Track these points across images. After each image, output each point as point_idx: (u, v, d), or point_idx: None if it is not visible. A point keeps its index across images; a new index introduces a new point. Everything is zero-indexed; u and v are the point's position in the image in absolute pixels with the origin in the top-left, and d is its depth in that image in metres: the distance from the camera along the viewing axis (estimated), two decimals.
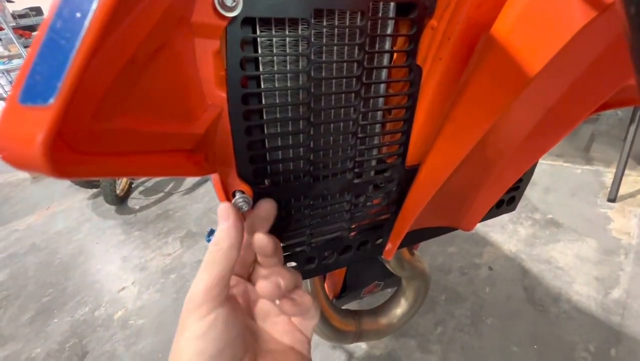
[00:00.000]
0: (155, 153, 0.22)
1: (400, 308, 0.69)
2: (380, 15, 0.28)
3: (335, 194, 0.33)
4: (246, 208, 0.27)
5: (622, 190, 1.58)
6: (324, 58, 0.27)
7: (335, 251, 0.37)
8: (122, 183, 2.19)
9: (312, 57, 0.25)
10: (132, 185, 2.32)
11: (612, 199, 1.56)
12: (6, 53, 3.29)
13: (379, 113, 0.32)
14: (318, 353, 1.05)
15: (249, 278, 0.30)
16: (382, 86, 0.31)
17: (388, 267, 0.60)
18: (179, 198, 2.17)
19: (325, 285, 0.71)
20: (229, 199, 0.27)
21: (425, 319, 1.17)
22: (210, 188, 2.17)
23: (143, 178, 2.39)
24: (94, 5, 0.14)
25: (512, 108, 0.27)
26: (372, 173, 0.34)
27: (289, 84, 0.27)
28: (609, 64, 0.25)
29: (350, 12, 0.26)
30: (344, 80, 0.29)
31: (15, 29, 3.00)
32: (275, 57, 0.26)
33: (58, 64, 0.14)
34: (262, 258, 0.28)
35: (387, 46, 0.30)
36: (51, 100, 0.14)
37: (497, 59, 0.26)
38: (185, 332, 0.23)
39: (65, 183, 2.50)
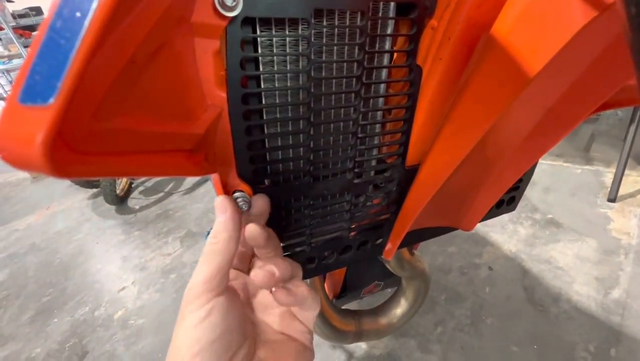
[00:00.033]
0: (155, 153, 0.22)
1: (400, 308, 0.69)
2: (380, 15, 0.28)
3: (335, 194, 0.33)
4: (246, 208, 0.27)
5: (622, 190, 1.58)
6: (324, 58, 0.27)
7: (335, 251, 0.37)
8: (122, 183, 2.19)
9: (312, 57, 0.25)
10: (132, 185, 2.32)
11: (612, 199, 1.56)
12: (6, 53, 3.29)
13: (379, 113, 0.32)
14: (318, 353, 1.05)
15: (249, 272, 0.30)
16: (382, 86, 0.31)
17: (388, 267, 0.60)
18: (179, 198, 2.17)
19: (325, 285, 0.71)
20: None
21: (425, 319, 1.17)
22: (210, 188, 2.17)
23: (143, 178, 2.39)
24: (94, 5, 0.14)
25: (512, 108, 0.27)
26: (372, 173, 0.34)
27: (289, 84, 0.27)
28: (609, 64, 0.25)
29: (350, 12, 0.26)
30: (344, 80, 0.29)
31: (15, 28, 3.00)
32: (275, 57, 0.26)
33: (58, 63, 0.14)
34: (258, 250, 0.28)
35: (387, 46, 0.30)
36: (51, 100, 0.14)
37: (497, 59, 0.26)
38: (183, 322, 0.23)
39: (65, 183, 2.50)
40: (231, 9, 0.21)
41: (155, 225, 1.93)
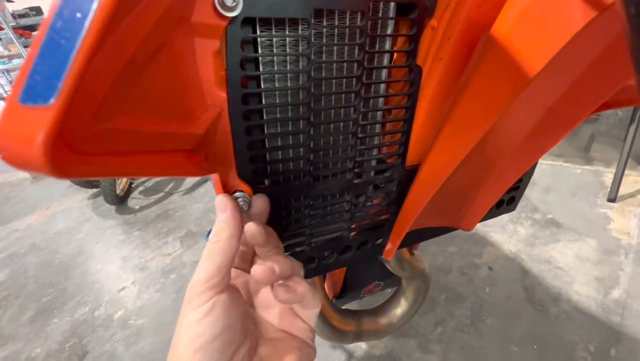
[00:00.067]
0: (155, 153, 0.22)
1: (400, 308, 0.69)
2: (380, 15, 0.28)
3: (335, 194, 0.33)
4: (246, 208, 0.27)
5: (622, 190, 1.58)
6: (324, 58, 0.27)
7: (335, 251, 0.37)
8: (122, 183, 2.19)
9: (312, 57, 0.25)
10: (132, 185, 2.32)
11: (612, 199, 1.56)
12: (6, 53, 3.29)
13: (379, 113, 0.32)
14: (318, 353, 1.04)
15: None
16: (382, 86, 0.31)
17: (388, 267, 0.60)
18: (179, 198, 2.17)
19: (325, 285, 0.71)
20: None
21: (425, 319, 1.17)
22: (210, 188, 2.17)
23: (143, 178, 2.39)
24: (94, 6, 0.14)
25: (512, 108, 0.27)
26: (372, 173, 0.34)
27: (289, 84, 0.27)
28: (609, 64, 0.25)
29: (350, 12, 0.26)
30: (344, 80, 0.29)
31: (15, 28, 3.01)
32: (275, 57, 0.26)
33: (58, 63, 0.14)
34: (259, 249, 0.28)
35: (387, 46, 0.30)
36: (51, 100, 0.14)
37: (497, 59, 0.26)
38: (185, 319, 0.24)
39: (65, 183, 2.50)
40: (231, 9, 0.21)
41: (155, 225, 1.93)
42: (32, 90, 0.15)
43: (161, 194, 2.23)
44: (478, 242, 1.46)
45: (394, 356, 1.08)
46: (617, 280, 1.21)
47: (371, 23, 0.27)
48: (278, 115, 0.28)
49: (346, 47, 0.28)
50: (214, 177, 0.27)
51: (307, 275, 0.37)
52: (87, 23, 0.14)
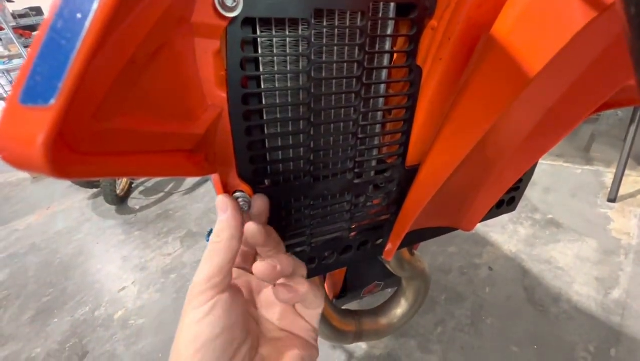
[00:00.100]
0: (155, 153, 0.22)
1: (400, 308, 0.69)
2: (380, 15, 0.28)
3: (335, 194, 0.33)
4: (246, 209, 0.27)
5: (622, 190, 1.58)
6: (324, 58, 0.27)
7: (335, 251, 0.37)
8: (122, 183, 2.19)
9: (312, 57, 0.25)
10: (132, 185, 2.32)
11: (612, 199, 1.56)
12: (6, 53, 3.29)
13: (379, 113, 0.32)
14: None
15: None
16: (382, 86, 0.31)
17: (388, 267, 0.60)
18: (179, 198, 2.17)
19: (325, 285, 0.71)
20: None
21: (425, 319, 1.17)
22: (210, 188, 2.17)
23: (143, 178, 2.39)
24: (95, 6, 0.14)
25: (512, 108, 0.27)
26: (372, 173, 0.34)
27: (289, 84, 0.27)
28: (609, 64, 0.25)
29: (350, 12, 0.26)
30: (344, 80, 0.29)
31: (15, 28, 3.01)
32: (275, 57, 0.26)
33: (59, 64, 0.14)
34: (259, 249, 0.28)
35: (387, 46, 0.30)
36: (52, 101, 0.14)
37: (497, 59, 0.26)
38: (186, 318, 0.24)
39: (65, 183, 2.50)
40: (231, 9, 0.21)
41: (155, 225, 1.93)
42: (32, 90, 0.15)
43: (161, 194, 2.23)
44: (478, 242, 1.46)
45: (394, 356, 1.08)
46: (617, 280, 1.21)
47: (371, 23, 0.27)
48: (278, 115, 0.28)
49: (346, 47, 0.28)
50: (214, 177, 0.27)
51: (307, 275, 0.36)
52: (87, 23, 0.14)
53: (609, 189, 1.59)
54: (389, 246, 0.40)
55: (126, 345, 1.25)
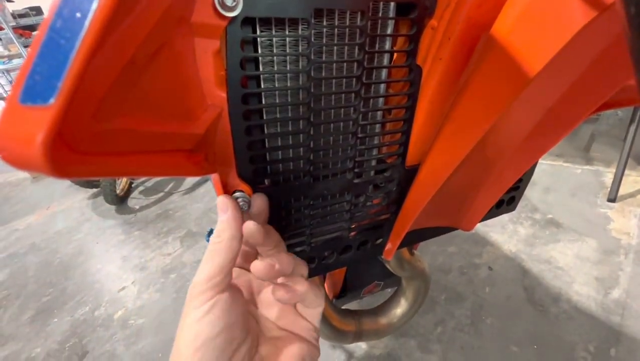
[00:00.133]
0: (155, 153, 0.22)
1: (400, 308, 0.69)
2: (380, 15, 0.28)
3: (335, 194, 0.33)
4: (246, 209, 0.27)
5: (622, 190, 1.58)
6: (324, 58, 0.27)
7: (335, 251, 0.37)
8: (122, 183, 2.19)
9: (312, 57, 0.25)
10: (132, 185, 2.32)
11: (612, 199, 1.56)
12: (6, 53, 3.29)
13: (379, 113, 0.32)
14: None
15: None
16: (382, 86, 0.31)
17: (388, 267, 0.60)
18: (179, 198, 2.17)
19: (325, 285, 0.71)
20: None
21: (425, 319, 1.17)
22: (210, 188, 2.17)
23: (143, 178, 2.39)
24: (94, 5, 0.14)
25: (512, 108, 0.27)
26: (372, 173, 0.34)
27: (289, 84, 0.27)
28: (609, 64, 0.25)
29: (350, 12, 0.26)
30: (344, 80, 0.29)
31: (15, 28, 3.01)
32: (275, 57, 0.26)
33: (58, 63, 0.14)
34: (260, 248, 0.28)
35: (387, 46, 0.30)
36: (51, 100, 0.14)
37: (497, 59, 0.26)
38: (187, 318, 0.24)
39: (65, 183, 2.50)
40: (231, 9, 0.21)
41: (155, 225, 1.93)
42: (32, 90, 0.15)
43: (161, 194, 2.23)
44: (478, 242, 1.46)
45: (394, 356, 1.08)
46: (617, 280, 1.21)
47: (371, 23, 0.27)
48: (278, 115, 0.28)
49: (346, 47, 0.28)
50: (214, 177, 0.27)
51: (308, 275, 0.37)
52: (87, 23, 0.14)
53: (609, 189, 1.59)
54: (389, 246, 0.40)
55: (126, 345, 1.25)
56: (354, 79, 0.29)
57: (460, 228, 0.45)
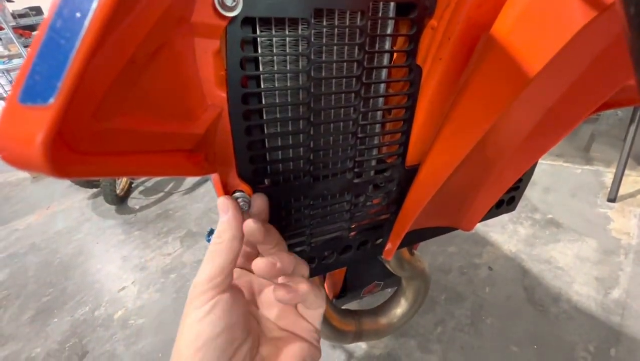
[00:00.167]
0: (155, 153, 0.22)
1: (400, 308, 0.69)
2: (380, 15, 0.28)
3: (335, 194, 0.33)
4: (246, 209, 0.27)
5: (622, 190, 1.58)
6: (323, 58, 0.27)
7: (335, 251, 0.37)
8: (122, 183, 2.19)
9: (312, 57, 0.25)
10: (132, 185, 2.32)
11: (612, 199, 1.56)
12: (6, 52, 3.29)
13: (379, 113, 0.32)
14: None
15: None
16: (382, 86, 0.31)
17: (388, 267, 0.60)
18: (179, 198, 2.17)
19: (325, 285, 0.71)
20: None
21: (425, 319, 1.17)
22: (210, 188, 2.17)
23: (143, 178, 2.39)
24: (94, 5, 0.14)
25: (512, 108, 0.27)
26: (372, 173, 0.34)
27: (289, 84, 0.27)
28: (609, 64, 0.25)
29: (350, 12, 0.26)
30: (344, 80, 0.29)
31: (15, 28, 3.01)
32: (275, 57, 0.26)
33: (58, 63, 0.14)
34: (260, 247, 0.28)
35: (387, 46, 0.30)
36: (51, 100, 0.14)
37: (497, 59, 0.26)
38: (187, 318, 0.24)
39: (65, 183, 2.50)
40: (231, 9, 0.21)
41: (155, 225, 1.93)
42: (32, 90, 0.15)
43: (161, 194, 2.23)
44: (478, 242, 1.46)
45: (394, 356, 1.08)
46: (617, 280, 1.21)
47: (371, 23, 0.27)
48: (278, 115, 0.28)
49: (346, 47, 0.28)
50: (214, 177, 0.27)
51: (308, 275, 0.37)
52: (86, 23, 0.14)
53: (609, 189, 1.59)
54: (389, 246, 0.40)
55: (126, 345, 1.25)
56: (354, 79, 0.29)
57: (460, 228, 0.45)
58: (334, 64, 0.28)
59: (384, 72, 0.30)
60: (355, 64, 0.28)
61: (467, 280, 1.30)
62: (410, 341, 1.12)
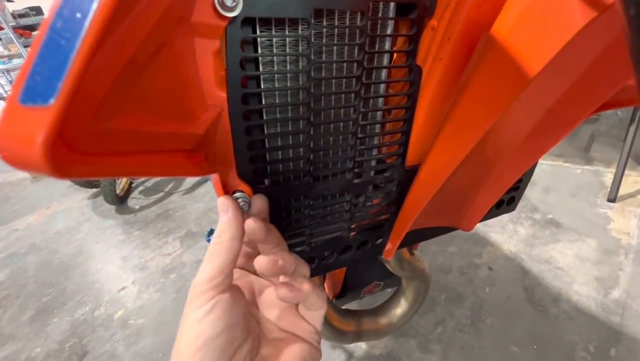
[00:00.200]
0: (155, 153, 0.22)
1: (400, 308, 0.69)
2: (380, 15, 0.28)
3: (335, 194, 0.33)
4: (246, 209, 0.27)
5: (622, 190, 1.58)
6: (323, 58, 0.27)
7: (335, 251, 0.37)
8: (122, 183, 2.19)
9: (312, 57, 0.25)
10: (132, 185, 2.32)
11: (612, 199, 1.56)
12: (6, 52, 3.29)
13: (379, 113, 0.32)
14: None
15: (256, 273, 0.31)
16: (382, 86, 0.31)
17: (388, 267, 0.60)
18: (179, 198, 2.17)
19: (325, 285, 0.71)
20: None
21: (425, 319, 1.17)
22: (210, 188, 2.17)
23: (143, 178, 2.39)
24: (94, 6, 0.14)
25: (512, 108, 0.27)
26: (372, 173, 0.34)
27: (288, 84, 0.27)
28: (609, 65, 0.25)
29: (350, 12, 0.26)
30: (344, 80, 0.29)
31: (15, 28, 3.01)
32: (275, 57, 0.26)
33: (58, 64, 0.14)
34: (261, 247, 0.28)
35: (387, 46, 0.30)
36: (51, 101, 0.14)
37: (497, 59, 0.26)
38: (187, 318, 0.24)
39: (65, 183, 2.50)
40: (231, 9, 0.21)
41: (155, 225, 1.93)
42: (32, 90, 0.15)
43: (161, 194, 2.23)
44: (478, 242, 1.46)
45: (394, 356, 1.08)
46: (617, 280, 1.21)
47: (371, 23, 0.27)
48: (278, 115, 0.28)
49: (346, 47, 0.28)
50: (214, 177, 0.27)
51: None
52: (87, 23, 0.14)
53: (609, 189, 1.59)
54: (389, 246, 0.40)
55: (126, 345, 1.25)
56: (354, 79, 0.29)
57: (460, 228, 0.45)
58: (334, 64, 0.28)
59: (384, 73, 0.30)
60: (355, 64, 0.28)
61: (467, 280, 1.30)
62: (410, 341, 1.12)
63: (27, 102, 0.15)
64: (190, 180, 2.31)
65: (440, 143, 0.33)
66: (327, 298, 0.66)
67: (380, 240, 0.40)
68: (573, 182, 1.74)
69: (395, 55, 0.31)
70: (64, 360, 1.23)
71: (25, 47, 2.82)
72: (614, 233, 1.40)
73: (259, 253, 0.30)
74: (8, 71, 3.07)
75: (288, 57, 0.26)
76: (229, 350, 0.24)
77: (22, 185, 2.72)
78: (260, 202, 0.28)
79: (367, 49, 0.27)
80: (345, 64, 0.28)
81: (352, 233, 0.37)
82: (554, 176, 1.81)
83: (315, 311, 0.30)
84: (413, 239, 0.43)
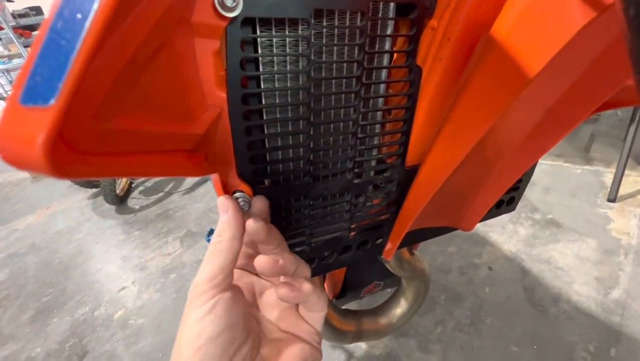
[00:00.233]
0: (155, 153, 0.22)
1: (400, 308, 0.69)
2: (380, 15, 0.28)
3: (335, 194, 0.33)
4: (246, 209, 0.27)
5: (622, 190, 1.58)
6: (324, 58, 0.27)
7: (335, 251, 0.37)
8: (122, 183, 2.19)
9: (312, 57, 0.26)
10: (132, 185, 2.32)
11: (612, 199, 1.56)
12: (6, 53, 3.29)
13: (379, 113, 0.32)
14: None
15: (256, 274, 0.31)
16: (382, 86, 0.31)
17: (388, 267, 0.60)
18: (179, 198, 2.17)
19: (325, 285, 0.71)
20: None
21: (425, 319, 1.17)
22: (210, 188, 2.17)
23: (143, 178, 2.39)
24: (95, 6, 0.14)
25: (512, 108, 0.27)
26: (372, 173, 0.34)
27: (288, 84, 0.27)
28: (608, 65, 0.25)
29: (350, 12, 0.26)
30: (344, 80, 0.29)
31: (15, 28, 3.01)
32: (275, 57, 0.26)
33: (59, 64, 0.14)
34: (262, 247, 0.28)
35: (387, 46, 0.30)
36: (52, 101, 0.14)
37: (496, 60, 0.26)
38: (188, 318, 0.24)
39: (65, 183, 2.50)
40: (231, 9, 0.21)
41: (155, 225, 1.93)
42: (33, 91, 0.15)
43: (161, 194, 2.23)
44: (478, 242, 1.46)
45: (394, 356, 1.08)
46: (617, 280, 1.21)
47: (371, 23, 0.27)
48: (278, 115, 0.28)
49: (346, 48, 0.28)
50: (214, 177, 0.27)
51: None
52: (87, 24, 0.14)
53: (609, 189, 1.59)
54: (388, 246, 0.40)
55: (126, 345, 1.25)
56: (354, 79, 0.29)
57: (460, 228, 0.45)
58: (334, 65, 0.28)
59: (384, 73, 0.31)
60: (355, 65, 0.28)
61: (467, 280, 1.30)
62: (410, 341, 1.12)
63: (27, 102, 0.15)
64: (190, 180, 2.31)
65: (440, 144, 0.33)
66: (327, 298, 0.66)
67: (380, 240, 0.40)
68: (573, 182, 1.75)
69: (395, 55, 0.31)
70: (64, 360, 1.23)
71: (26, 47, 2.82)
72: (614, 233, 1.40)
73: (259, 253, 0.30)
74: (8, 71, 3.07)
75: (288, 57, 0.26)
76: (229, 349, 0.24)
77: (22, 185, 2.72)
78: (260, 203, 0.28)
79: (367, 49, 0.27)
80: (345, 64, 0.28)
81: (352, 233, 0.37)
82: (554, 176, 1.81)
83: (316, 313, 0.30)
84: (413, 239, 0.43)
